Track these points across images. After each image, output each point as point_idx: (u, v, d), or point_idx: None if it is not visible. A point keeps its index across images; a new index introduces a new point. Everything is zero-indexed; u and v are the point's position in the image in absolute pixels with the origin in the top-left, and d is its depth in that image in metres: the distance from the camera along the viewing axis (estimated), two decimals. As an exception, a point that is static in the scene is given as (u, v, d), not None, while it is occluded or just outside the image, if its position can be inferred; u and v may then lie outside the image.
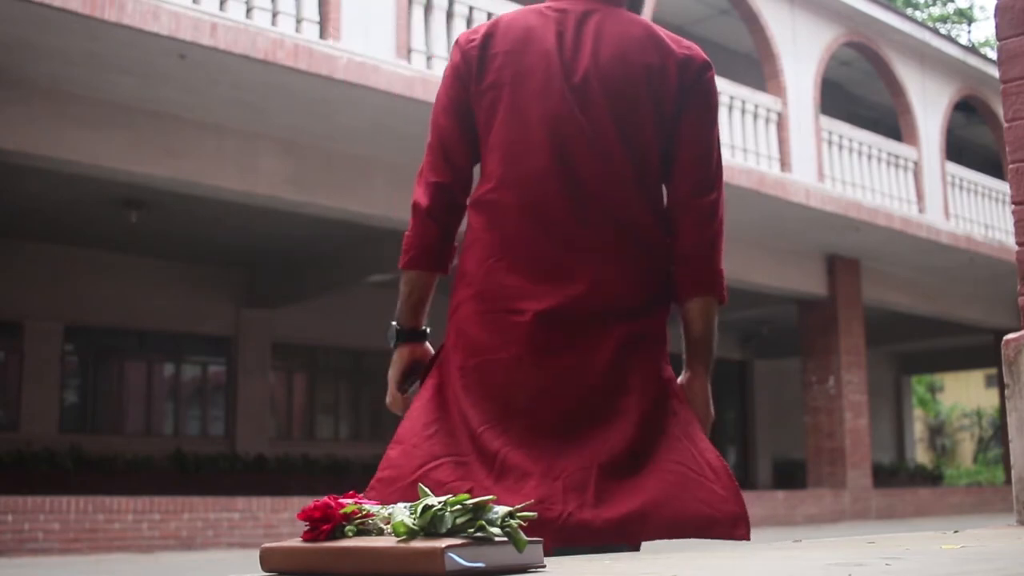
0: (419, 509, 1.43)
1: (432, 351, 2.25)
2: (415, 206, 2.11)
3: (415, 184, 2.13)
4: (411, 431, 2.12)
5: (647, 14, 12.35)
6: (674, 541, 1.97)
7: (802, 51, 14.41)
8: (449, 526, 1.41)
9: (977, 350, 22.58)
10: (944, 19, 35.15)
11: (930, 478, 24.52)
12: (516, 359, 2.00)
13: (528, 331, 1.99)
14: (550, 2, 2.13)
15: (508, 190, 2.03)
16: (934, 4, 35.79)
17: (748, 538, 1.92)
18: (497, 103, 2.06)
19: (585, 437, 1.96)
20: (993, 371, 30.20)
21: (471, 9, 10.64)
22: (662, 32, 2.10)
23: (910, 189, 15.71)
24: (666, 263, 2.06)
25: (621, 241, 2.01)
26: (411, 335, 2.29)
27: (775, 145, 13.72)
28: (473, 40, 2.09)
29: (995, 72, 15.96)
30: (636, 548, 1.95)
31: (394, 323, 2.30)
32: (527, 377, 1.99)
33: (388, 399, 2.32)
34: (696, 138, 2.06)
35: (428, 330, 2.26)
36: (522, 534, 1.43)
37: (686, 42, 2.11)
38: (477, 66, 2.08)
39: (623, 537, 1.92)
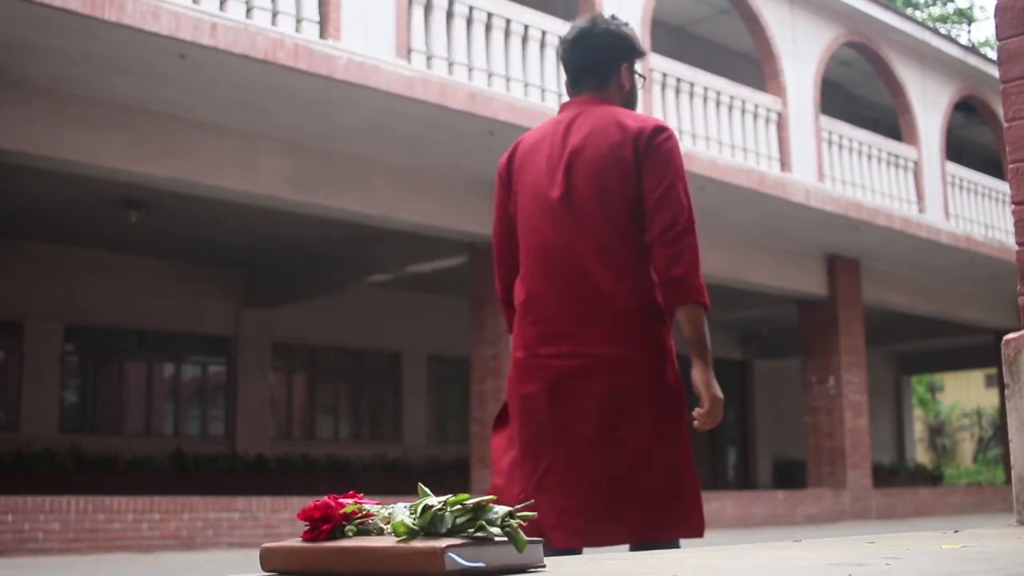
0: (419, 509, 1.43)
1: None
2: (496, 271, 2.95)
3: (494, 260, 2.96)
4: (496, 456, 2.83)
5: (647, 15, 12.35)
6: (685, 540, 2.60)
7: (802, 51, 14.41)
8: (449, 526, 1.41)
9: (977, 350, 22.58)
10: (944, 19, 35.15)
11: (930, 478, 24.52)
12: (540, 393, 2.69)
13: (545, 374, 2.68)
14: (560, 111, 2.89)
15: (526, 272, 2.78)
16: (934, 4, 35.79)
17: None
18: (518, 204, 2.82)
19: (592, 457, 2.61)
20: (993, 371, 30.20)
21: (471, 9, 10.64)
22: (625, 115, 2.76)
23: (910, 189, 15.70)
24: (646, 314, 2.68)
25: (596, 312, 2.66)
26: None
27: (775, 145, 13.72)
28: (504, 159, 2.89)
29: (995, 72, 15.95)
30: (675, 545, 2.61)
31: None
32: (549, 408, 2.68)
33: None
34: (655, 186, 2.67)
35: None
36: (522, 534, 1.43)
37: (642, 117, 2.75)
38: (507, 179, 2.89)
39: (616, 542, 2.59)
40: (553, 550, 2.51)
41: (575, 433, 2.62)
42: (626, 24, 2.93)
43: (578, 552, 2.59)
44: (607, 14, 2.99)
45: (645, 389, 2.64)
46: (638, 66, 2.92)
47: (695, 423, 2.67)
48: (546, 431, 2.65)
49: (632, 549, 2.57)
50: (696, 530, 2.61)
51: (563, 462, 2.61)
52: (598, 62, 2.86)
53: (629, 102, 2.88)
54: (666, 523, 2.58)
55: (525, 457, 2.67)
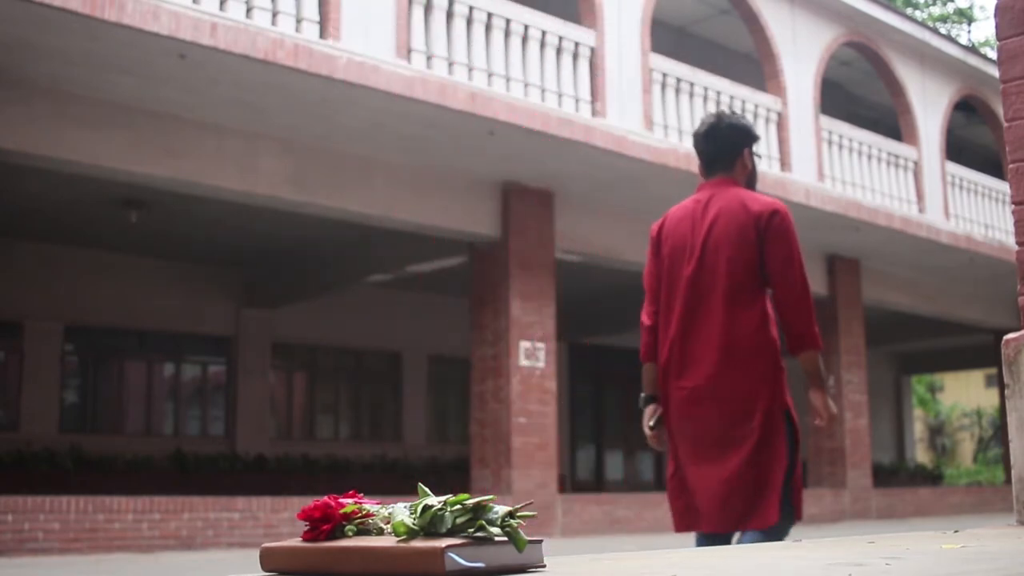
0: (419, 509, 1.43)
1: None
2: (643, 324, 3.72)
3: (643, 310, 3.74)
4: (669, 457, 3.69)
5: (647, 15, 12.35)
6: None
7: (802, 51, 14.41)
8: (449, 526, 1.41)
9: (977, 350, 22.57)
10: (944, 19, 35.14)
11: (930, 478, 24.50)
12: (683, 409, 3.57)
13: (684, 397, 3.55)
14: (696, 192, 3.68)
15: (671, 317, 3.59)
16: (934, 4, 35.77)
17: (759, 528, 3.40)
18: (665, 265, 3.63)
19: (716, 463, 3.47)
20: (993, 371, 30.20)
21: (471, 9, 10.64)
22: (748, 198, 3.56)
23: (910, 189, 15.70)
24: (769, 351, 3.51)
25: (728, 341, 3.47)
26: (650, 399, 3.74)
27: (775, 145, 13.72)
28: (654, 229, 3.71)
29: (995, 72, 15.94)
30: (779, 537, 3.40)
31: (643, 394, 3.76)
32: (686, 425, 3.55)
33: (648, 438, 3.76)
34: (775, 258, 3.49)
35: (656, 395, 3.72)
36: (522, 534, 1.43)
37: (762, 200, 3.56)
38: (657, 242, 3.69)
39: (736, 528, 3.45)
40: (701, 536, 3.52)
41: (707, 447, 3.50)
42: (743, 116, 3.92)
43: (719, 537, 3.50)
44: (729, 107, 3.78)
45: (758, 415, 3.45)
46: (755, 148, 3.73)
47: (817, 422, 3.65)
48: (691, 445, 3.56)
49: (739, 538, 3.47)
50: (770, 520, 3.38)
51: (701, 468, 3.51)
52: (726, 150, 3.65)
53: (751, 178, 3.72)
54: (750, 517, 3.41)
55: (694, 457, 3.55)
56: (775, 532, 3.40)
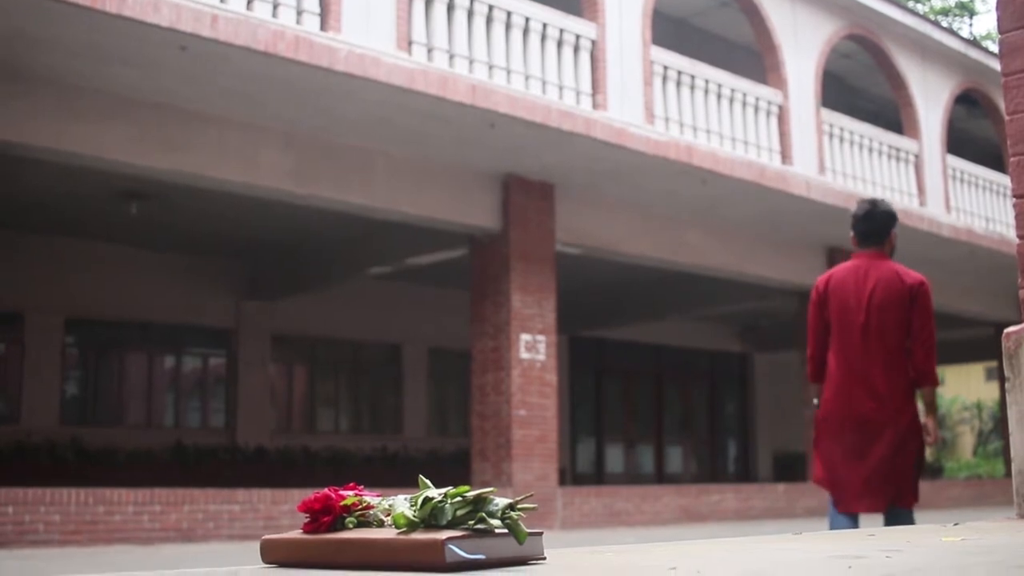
0: (419, 501, 1.43)
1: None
2: (809, 354, 4.95)
3: (808, 346, 4.98)
4: (824, 455, 4.94)
5: (648, 7, 12.32)
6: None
7: (803, 44, 14.39)
8: (449, 518, 1.41)
9: (977, 343, 22.57)
10: (945, 12, 35.07)
11: (930, 471, 24.52)
12: (845, 422, 4.79)
13: (849, 413, 4.76)
14: (854, 259, 4.90)
15: (838, 359, 4.81)
16: (935, -3, 35.68)
17: (906, 507, 4.73)
18: (832, 317, 4.84)
19: (868, 461, 4.74)
20: (993, 364, 30.19)
21: (472, 1, 10.62)
22: (900, 270, 4.81)
23: (911, 182, 15.69)
24: (904, 389, 4.76)
25: (886, 374, 4.72)
26: (817, 406, 4.93)
27: (776, 138, 13.71)
28: (820, 284, 4.90)
29: (996, 65, 15.92)
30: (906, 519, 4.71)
31: (814, 400, 4.99)
32: (847, 436, 4.78)
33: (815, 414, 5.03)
34: (919, 320, 4.74)
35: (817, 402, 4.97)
36: (522, 526, 1.43)
37: (910, 273, 4.80)
38: (824, 295, 4.88)
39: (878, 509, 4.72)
40: (847, 515, 4.74)
41: (864, 447, 4.73)
42: (890, 204, 5.02)
43: (855, 519, 4.78)
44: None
45: (901, 425, 4.72)
46: (896, 229, 4.92)
47: (928, 440, 4.78)
48: (850, 446, 4.76)
49: (885, 516, 4.71)
50: (911, 503, 4.71)
51: (858, 463, 4.74)
52: (879, 231, 4.88)
53: (894, 251, 4.96)
54: (897, 497, 4.69)
55: (843, 459, 4.80)
56: (912, 513, 4.75)
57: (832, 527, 4.77)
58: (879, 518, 4.80)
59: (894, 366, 4.72)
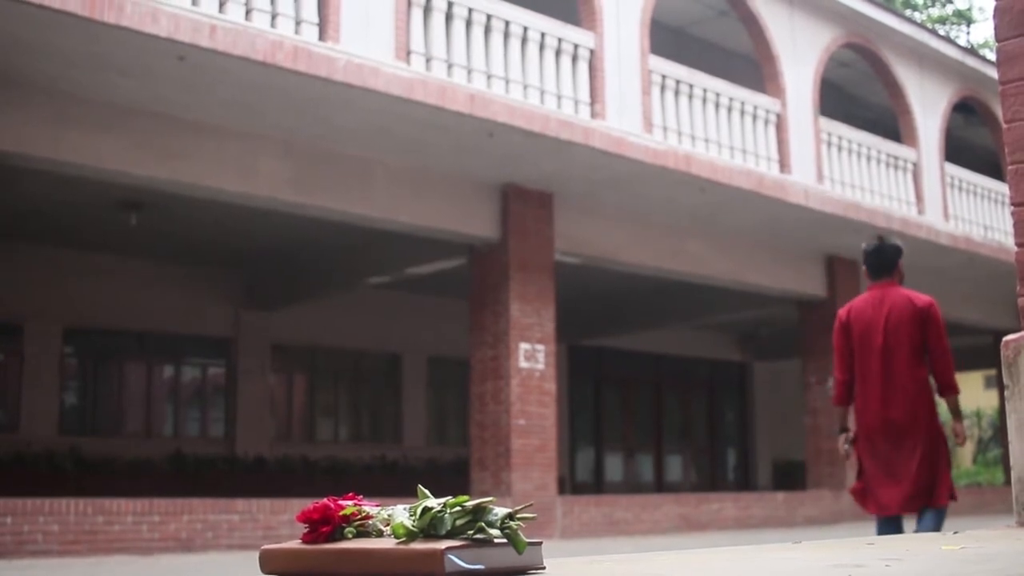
0: (418, 511, 1.43)
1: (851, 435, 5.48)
2: (837, 379, 5.46)
3: (834, 369, 5.53)
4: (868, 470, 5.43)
5: (646, 16, 12.35)
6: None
7: (801, 52, 14.41)
8: (449, 528, 1.41)
9: (976, 351, 22.53)
10: (943, 20, 35.15)
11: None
12: (875, 435, 5.32)
13: (878, 426, 5.30)
14: (869, 290, 5.42)
15: (862, 379, 5.35)
16: (933, 5, 35.79)
17: (939, 505, 5.24)
18: (854, 343, 5.37)
19: (900, 467, 5.26)
20: (992, 372, 30.17)
21: (470, 11, 10.64)
22: (911, 295, 5.33)
23: (909, 190, 15.71)
24: (929, 393, 5.31)
25: (905, 392, 5.25)
26: (843, 430, 5.50)
27: (774, 146, 13.72)
28: (842, 315, 5.45)
29: (994, 73, 15.91)
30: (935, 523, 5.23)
31: (838, 426, 5.55)
32: (879, 447, 5.30)
33: (842, 455, 5.58)
34: (934, 335, 5.28)
35: (849, 427, 5.50)
36: (521, 535, 1.42)
37: (920, 297, 5.33)
38: (847, 324, 5.41)
39: (911, 511, 5.25)
40: (886, 519, 5.27)
41: (896, 453, 5.24)
42: (896, 238, 5.73)
43: (898, 520, 5.31)
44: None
45: (924, 432, 5.22)
46: (903, 260, 5.44)
47: (957, 441, 5.34)
48: (883, 453, 5.27)
49: (919, 514, 5.18)
50: (944, 501, 5.18)
51: (895, 468, 5.26)
52: (888, 264, 5.40)
53: (903, 279, 5.45)
54: (931, 497, 5.17)
55: (881, 465, 5.31)
56: (945, 510, 5.24)
57: (879, 533, 5.21)
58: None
59: (913, 379, 5.26)
